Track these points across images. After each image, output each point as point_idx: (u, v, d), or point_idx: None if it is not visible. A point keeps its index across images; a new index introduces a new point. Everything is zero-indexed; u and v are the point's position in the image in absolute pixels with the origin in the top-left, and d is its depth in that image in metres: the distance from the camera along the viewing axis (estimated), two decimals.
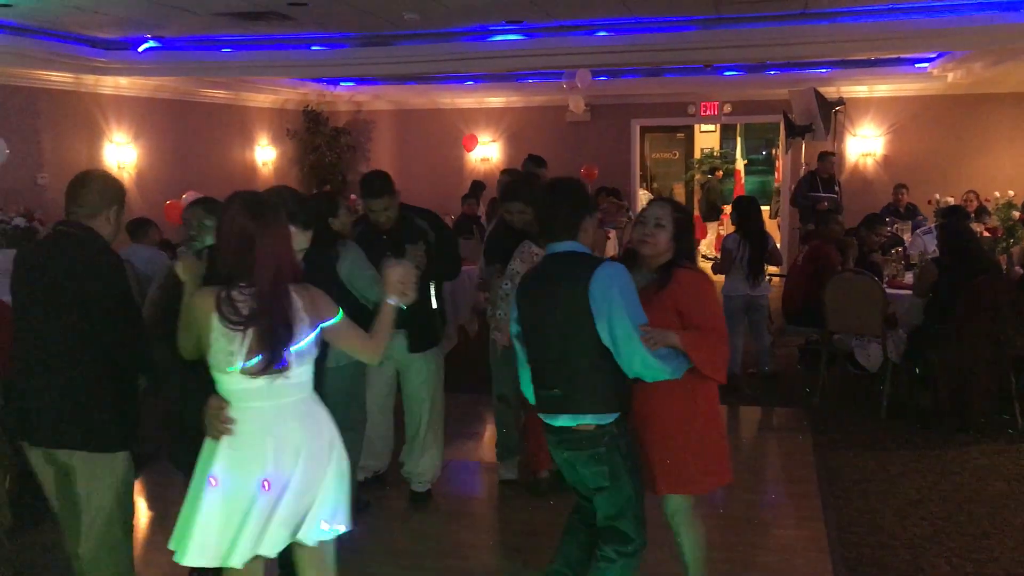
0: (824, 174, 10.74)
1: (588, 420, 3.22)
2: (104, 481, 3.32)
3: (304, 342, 2.82)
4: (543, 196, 3.41)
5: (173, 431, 3.36)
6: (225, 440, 2.79)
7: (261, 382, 2.77)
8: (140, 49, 9.39)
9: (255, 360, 2.73)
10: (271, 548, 2.83)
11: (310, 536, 2.90)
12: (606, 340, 3.14)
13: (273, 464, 2.79)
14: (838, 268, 7.18)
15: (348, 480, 3.01)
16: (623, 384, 3.25)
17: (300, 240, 3.18)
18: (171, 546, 2.86)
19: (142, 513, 5.20)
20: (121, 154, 10.44)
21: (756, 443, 6.54)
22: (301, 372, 2.85)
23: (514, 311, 3.46)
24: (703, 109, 13.63)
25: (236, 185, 12.32)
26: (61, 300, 3.20)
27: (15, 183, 8.10)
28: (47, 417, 3.26)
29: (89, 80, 9.81)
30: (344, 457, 2.99)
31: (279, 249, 2.79)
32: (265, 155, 13.42)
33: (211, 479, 2.78)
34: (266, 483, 2.77)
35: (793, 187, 11.63)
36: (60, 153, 9.32)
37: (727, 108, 13.52)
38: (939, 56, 10.83)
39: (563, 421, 3.26)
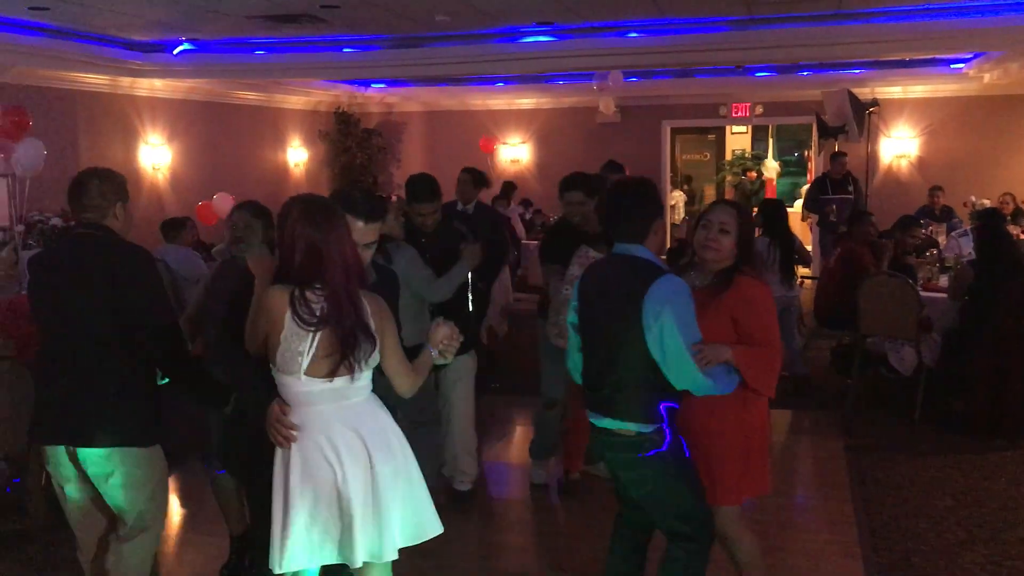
0: (836, 175, 10.59)
1: (629, 427, 3.17)
2: (140, 477, 3.31)
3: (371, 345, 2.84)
4: (612, 195, 3.34)
5: (232, 436, 3.32)
6: (294, 447, 2.79)
7: (328, 384, 2.78)
8: (175, 52, 9.50)
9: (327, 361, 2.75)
10: (358, 556, 2.80)
11: (388, 553, 2.86)
12: (655, 354, 3.09)
13: (341, 467, 2.78)
14: (871, 270, 7.11)
15: (423, 484, 2.98)
16: (667, 397, 3.18)
17: (364, 234, 3.08)
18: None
19: (174, 511, 5.25)
20: (156, 155, 10.57)
21: (787, 447, 6.48)
22: (364, 375, 2.86)
23: (574, 300, 3.43)
24: (734, 110, 13.56)
25: (269, 186, 12.49)
26: (86, 301, 3.20)
27: (53, 183, 8.20)
28: (77, 416, 3.23)
29: (125, 82, 9.94)
30: (414, 460, 2.97)
31: (344, 250, 2.80)
32: (297, 156, 13.52)
33: (291, 487, 2.78)
34: (341, 486, 2.78)
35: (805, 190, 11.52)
36: (97, 154, 9.45)
37: (759, 109, 13.43)
38: (975, 56, 10.69)
39: (606, 423, 3.23)
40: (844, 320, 7.07)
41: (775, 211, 7.48)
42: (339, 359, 2.75)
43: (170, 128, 10.80)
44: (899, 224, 7.90)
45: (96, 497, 3.38)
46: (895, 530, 4.76)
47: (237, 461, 3.15)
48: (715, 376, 3.13)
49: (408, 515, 2.91)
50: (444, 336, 3.07)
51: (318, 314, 2.74)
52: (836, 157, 10.70)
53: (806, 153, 16.63)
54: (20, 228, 7.32)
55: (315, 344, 2.74)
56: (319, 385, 2.77)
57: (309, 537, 2.79)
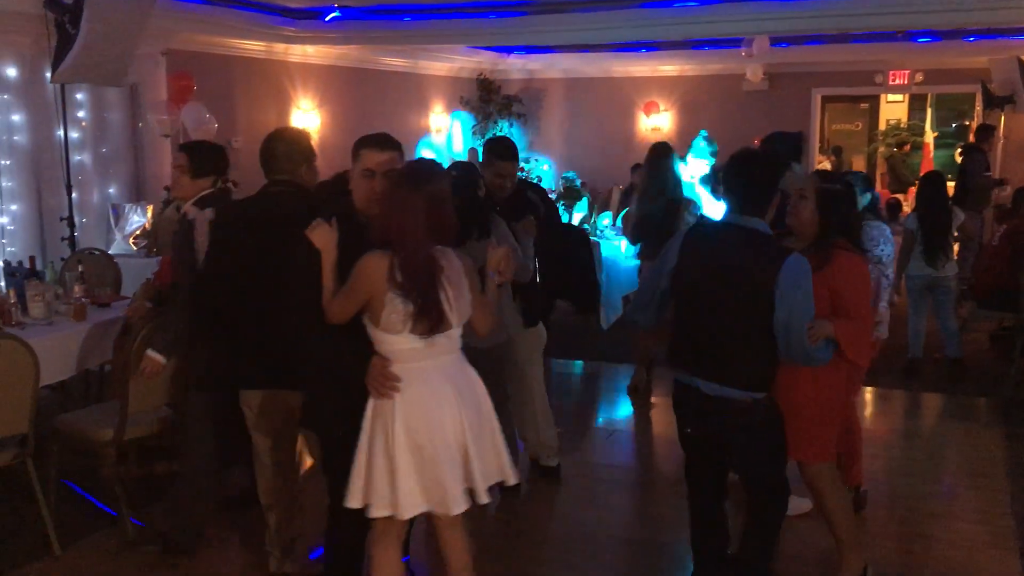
0: (986, 149, 9.99)
1: (746, 395, 3.28)
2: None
3: (465, 303, 2.99)
4: (742, 165, 3.37)
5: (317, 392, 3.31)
6: (397, 398, 2.92)
7: (427, 341, 2.92)
8: (327, 19, 9.75)
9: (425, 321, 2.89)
10: (453, 506, 2.96)
11: (480, 497, 3.02)
12: (779, 328, 3.19)
13: (441, 419, 2.93)
14: None
15: (501, 434, 3.15)
16: (776, 365, 3.33)
17: None
18: (352, 504, 2.97)
19: None
20: (307, 120, 10.91)
21: (938, 432, 6.20)
22: (458, 330, 3.03)
23: (668, 263, 3.44)
24: (892, 78, 12.90)
25: (411, 151, 12.66)
26: (266, 253, 3.39)
27: None
28: (270, 364, 3.47)
29: (279, 48, 10.28)
30: (493, 412, 3.13)
31: (419, 217, 2.87)
32: (439, 122, 13.71)
33: (395, 436, 2.91)
34: (446, 434, 2.93)
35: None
36: (252, 119, 9.84)
37: (919, 77, 12.74)
38: None
39: (722, 392, 3.28)
40: (1006, 301, 6.71)
41: (927, 185, 7.08)
42: (432, 319, 2.89)
43: (320, 94, 11.12)
44: None
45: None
46: None
47: (325, 416, 3.18)
48: (820, 350, 3.30)
49: (490, 461, 3.06)
50: (501, 256, 3.18)
51: (399, 280, 2.85)
52: (981, 131, 10.07)
53: (967, 123, 15.72)
54: None
55: (412, 305, 2.87)
56: (420, 342, 2.92)
57: (421, 482, 2.93)
